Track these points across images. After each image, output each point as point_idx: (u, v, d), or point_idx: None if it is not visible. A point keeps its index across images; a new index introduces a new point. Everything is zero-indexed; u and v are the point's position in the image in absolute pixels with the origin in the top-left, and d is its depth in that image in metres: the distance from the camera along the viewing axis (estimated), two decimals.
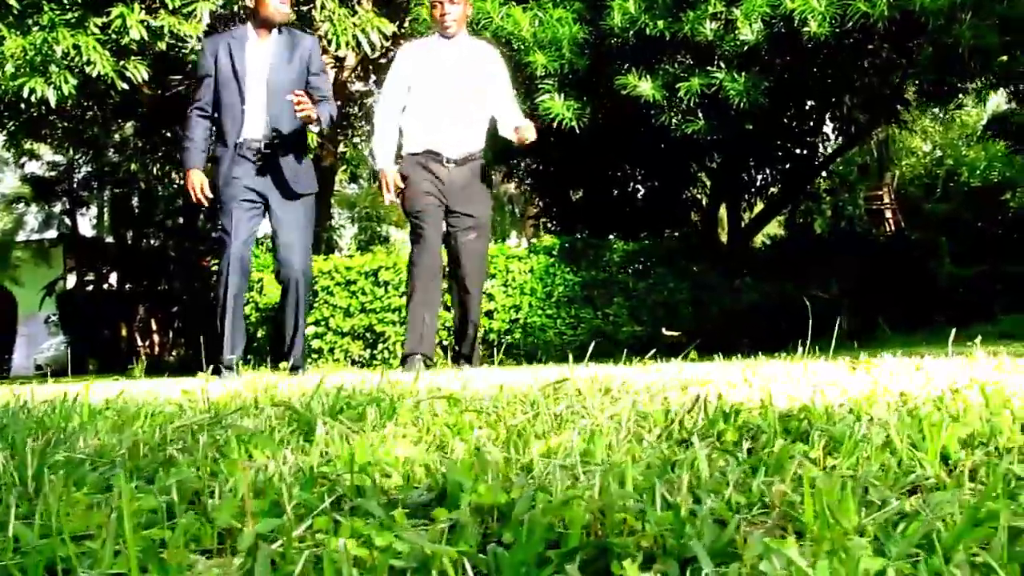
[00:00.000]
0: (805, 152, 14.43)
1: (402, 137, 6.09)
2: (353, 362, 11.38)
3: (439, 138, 6.00)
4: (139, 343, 18.94)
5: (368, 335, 11.32)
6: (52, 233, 27.80)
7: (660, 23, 9.20)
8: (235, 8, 11.18)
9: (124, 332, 19.11)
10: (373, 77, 15.69)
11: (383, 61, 14.36)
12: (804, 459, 1.23)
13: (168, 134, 15.93)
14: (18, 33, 10.79)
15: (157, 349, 18.76)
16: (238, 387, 2.77)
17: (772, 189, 15.35)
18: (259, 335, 11.18)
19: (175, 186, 17.87)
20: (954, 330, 4.70)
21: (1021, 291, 12.82)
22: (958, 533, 0.88)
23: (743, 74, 9.17)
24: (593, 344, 9.70)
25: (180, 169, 16.19)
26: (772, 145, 13.86)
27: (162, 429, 1.59)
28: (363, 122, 16.66)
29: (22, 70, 10.80)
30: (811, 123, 13.85)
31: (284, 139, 5.98)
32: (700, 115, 9.73)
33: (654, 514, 0.95)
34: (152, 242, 20.41)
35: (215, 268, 13.19)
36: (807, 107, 13.34)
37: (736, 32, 8.90)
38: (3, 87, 10.94)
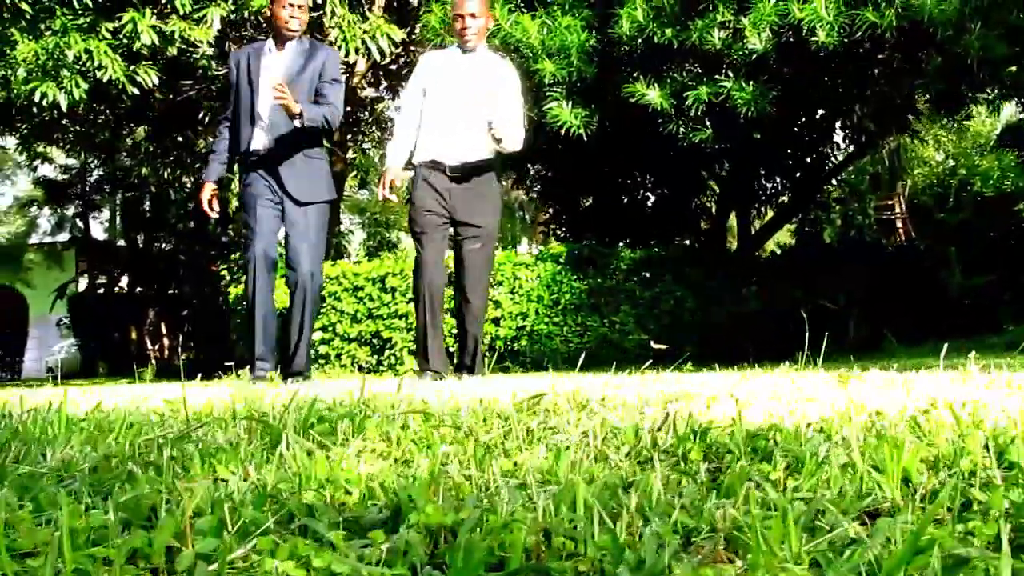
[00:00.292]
0: (815, 161, 14.41)
1: (415, 146, 6.18)
2: (360, 368, 11.39)
3: (444, 147, 6.06)
4: (149, 346, 19.00)
5: (375, 341, 11.34)
6: (64, 236, 27.92)
7: (668, 31, 9.19)
8: (246, 14, 11.21)
9: (134, 335, 19.17)
10: (384, 83, 15.72)
11: (393, 67, 14.40)
12: (763, 480, 1.23)
13: (180, 139, 15.98)
14: (30, 38, 10.84)
15: (167, 352, 18.81)
16: (247, 393, 2.78)
17: (782, 198, 15.33)
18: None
19: (186, 191, 17.94)
20: (950, 343, 4.67)
21: None
22: (898, 560, 0.88)
23: (751, 83, 9.16)
24: (586, 353, 9.70)
25: (192, 174, 16.32)
26: (782, 153, 13.85)
27: (131, 443, 1.59)
28: (373, 127, 16.69)
29: (34, 74, 10.85)
30: (821, 132, 13.82)
31: (296, 148, 6.03)
32: (707, 124, 9.73)
33: (601, 537, 0.95)
34: (163, 246, 20.47)
35: (223, 272, 13.25)
36: (817, 116, 13.31)
37: (744, 41, 8.88)
38: (15, 91, 11.00)
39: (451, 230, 6.22)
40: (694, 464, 1.39)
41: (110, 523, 1.00)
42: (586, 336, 11.05)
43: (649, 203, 16.56)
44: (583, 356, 6.58)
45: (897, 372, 3.31)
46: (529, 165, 15.65)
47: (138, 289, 20.51)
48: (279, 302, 10.72)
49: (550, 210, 17.65)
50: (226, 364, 5.98)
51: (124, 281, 21.86)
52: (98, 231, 28.93)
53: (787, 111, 10.67)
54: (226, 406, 2.19)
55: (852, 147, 14.54)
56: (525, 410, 1.92)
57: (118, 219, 25.74)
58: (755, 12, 8.74)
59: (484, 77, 6.17)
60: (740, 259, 13.72)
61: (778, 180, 15.22)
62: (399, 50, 13.22)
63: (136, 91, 11.39)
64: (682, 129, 9.98)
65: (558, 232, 16.85)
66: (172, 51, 11.35)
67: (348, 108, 14.72)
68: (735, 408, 1.77)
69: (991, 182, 20.58)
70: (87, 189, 23.92)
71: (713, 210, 15.60)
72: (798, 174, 14.74)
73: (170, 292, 19.49)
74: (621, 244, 12.58)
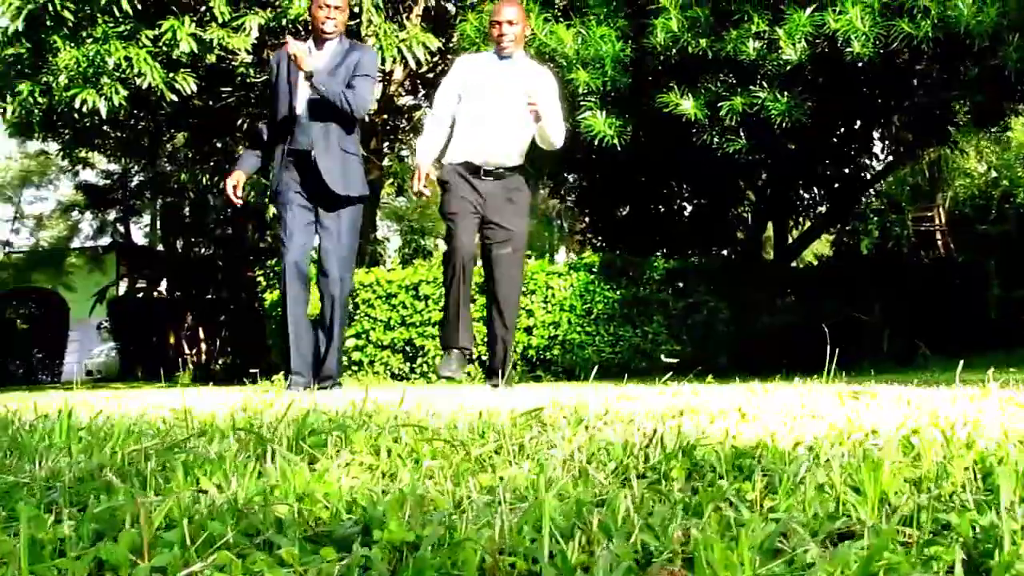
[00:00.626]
0: (852, 172, 14.31)
1: (448, 145, 6.16)
2: (393, 375, 11.44)
3: (478, 151, 6.02)
4: (186, 351, 19.16)
5: (408, 349, 11.38)
6: (106, 240, 28.23)
7: (703, 42, 9.17)
8: (284, 22, 11.30)
9: (172, 340, 19.34)
10: (421, 91, 15.80)
11: (430, 75, 14.46)
12: (738, 500, 1.22)
13: (219, 145, 16.13)
14: (72, 45, 11.00)
15: (204, 357, 18.96)
16: (263, 400, 2.80)
17: (819, 208, 15.24)
18: None
19: (224, 196, 18.07)
20: (988, 358, 4.61)
21: None
22: None
23: (785, 93, 9.12)
24: (618, 364, 9.67)
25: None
26: (818, 164, 13.76)
27: (122, 453, 1.61)
28: (410, 135, 16.76)
29: (75, 81, 11.00)
30: (858, 143, 13.72)
31: (332, 143, 6.05)
32: (741, 134, 9.69)
33: (562, 557, 0.95)
34: (202, 251, 20.65)
35: (259, 278, 13.33)
36: (855, 127, 13.22)
37: (779, 51, 8.83)
38: (57, 97, 11.16)
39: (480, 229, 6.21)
40: (676, 482, 1.39)
41: (70, 536, 1.02)
42: (618, 346, 11.03)
43: (686, 213, 16.52)
44: (626, 368, 6.58)
45: (916, 387, 3.28)
46: (565, 174, 15.67)
47: (176, 294, 20.70)
48: (315, 307, 10.82)
49: (586, 219, 17.66)
50: (251, 371, 6.00)
51: (163, 286, 22.09)
52: (139, 236, 29.29)
53: (823, 122, 10.60)
54: (225, 417, 2.21)
55: (891, 157, 14.42)
56: (520, 425, 1.93)
57: (158, 224, 26.00)
58: (790, 22, 8.70)
59: (522, 84, 6.17)
60: (775, 270, 13.64)
61: (815, 191, 15.13)
62: (435, 58, 13.28)
63: (175, 98, 11.53)
64: (716, 139, 9.95)
65: (594, 241, 16.84)
66: (211, 58, 11.48)
67: (385, 116, 14.81)
68: (733, 424, 1.76)
69: None
70: (128, 194, 24.19)
71: (750, 220, 15.53)
72: (836, 185, 14.65)
73: (208, 297, 19.65)
74: (655, 255, 12.53)
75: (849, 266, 14.77)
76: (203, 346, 19.26)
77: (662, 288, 11.36)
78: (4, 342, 20.03)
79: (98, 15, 10.97)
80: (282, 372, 6.08)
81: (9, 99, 11.55)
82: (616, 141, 9.62)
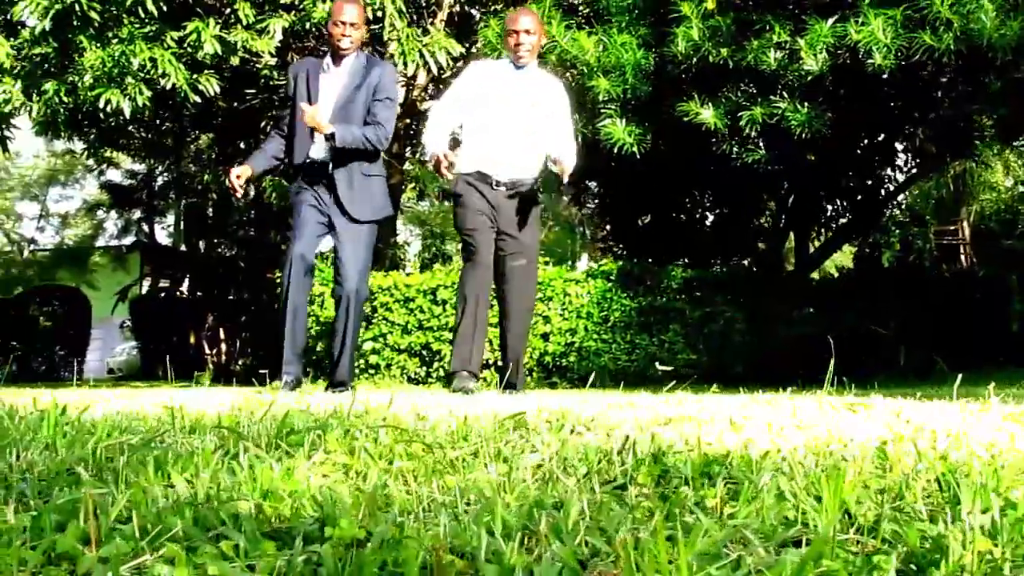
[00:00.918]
0: (875, 183, 14.25)
1: (458, 154, 6.12)
2: (409, 379, 11.47)
3: (492, 161, 6.00)
4: (207, 351, 19.24)
5: (424, 353, 11.41)
6: (130, 240, 28.40)
7: (724, 51, 9.16)
8: (307, 25, 11.36)
9: (193, 339, 19.44)
10: None
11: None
12: (696, 507, 1.23)
13: (242, 146, 16.22)
14: (98, 45, 11.07)
15: (224, 358, 19.04)
16: (289, 399, 2.82)
17: (841, 220, 15.19)
18: (318, 348, 11.32)
19: (248, 197, 18.18)
20: (1007, 373, 4.57)
21: None
22: None
23: (806, 104, 9.10)
24: (634, 371, 9.65)
25: (253, 182, 16.53)
26: (840, 175, 13.71)
27: (100, 448, 1.63)
28: None
29: (100, 81, 11.08)
30: (881, 155, 13.66)
31: (352, 164, 6.06)
32: (761, 144, 9.69)
33: (499, 557, 0.96)
34: (224, 252, 20.75)
35: (278, 280, 13.39)
36: (879, 138, 13.16)
37: (800, 62, 8.81)
38: (82, 97, 11.24)
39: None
40: (642, 487, 1.40)
41: (30, 526, 1.03)
42: (634, 354, 11.03)
43: (708, 222, 16.50)
44: (642, 375, 6.55)
45: (916, 401, 3.27)
46: (587, 182, 15.67)
47: (198, 294, 20.80)
48: (331, 311, 10.85)
49: (608, 227, 17.65)
50: (260, 371, 6.01)
51: (185, 285, 22.20)
52: (163, 236, 29.47)
53: (844, 133, 10.56)
54: (212, 415, 2.23)
55: (915, 170, 14.34)
56: (501, 429, 1.94)
57: (181, 224, 26.16)
58: (811, 33, 8.68)
59: (537, 95, 6.17)
60: (793, 281, 13.60)
61: (838, 202, 15.08)
62: (459, 64, 13.32)
63: (198, 99, 11.59)
64: (735, 149, 9.95)
65: (615, 249, 16.83)
66: (235, 60, 11.54)
67: (407, 120, 14.84)
68: (719, 433, 1.77)
69: None
70: (152, 194, 24.36)
71: (771, 231, 15.49)
72: (858, 197, 14.59)
73: (229, 298, 19.73)
74: (672, 264, 12.51)
75: (870, 278, 14.70)
76: (224, 346, 19.34)
77: (679, 297, 11.35)
78: (27, 339, 20.18)
79: (124, 16, 11.05)
80: (279, 377, 6.02)
81: (35, 98, 11.63)
82: (636, 149, 9.61)
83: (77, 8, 10.82)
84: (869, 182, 14.19)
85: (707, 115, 9.37)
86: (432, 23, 13.21)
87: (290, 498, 1.23)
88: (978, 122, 11.65)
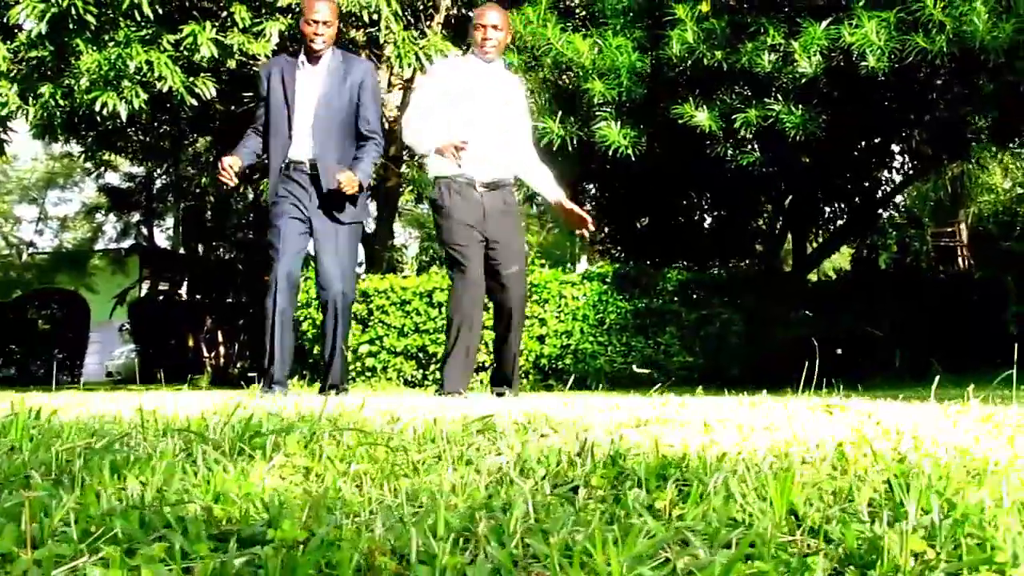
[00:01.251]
0: (871, 185, 14.25)
1: (432, 160, 6.02)
2: (405, 382, 11.48)
3: (475, 163, 5.77)
4: (206, 354, 19.25)
5: (421, 355, 11.42)
6: (129, 243, 28.41)
7: (718, 54, 9.18)
8: None
9: (191, 342, 19.45)
10: None
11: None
12: (643, 508, 1.24)
13: None
14: (94, 48, 11.08)
15: (222, 361, 19.05)
16: (283, 404, 2.83)
17: (839, 221, 15.19)
18: (315, 351, 11.33)
19: (247, 200, 18.20)
20: (1000, 375, 4.56)
21: None
22: None
23: (800, 106, 9.12)
24: (630, 374, 9.60)
25: (251, 184, 16.54)
26: (837, 177, 13.71)
27: (59, 450, 1.64)
28: None
29: (96, 84, 11.09)
30: (877, 156, 13.66)
31: (330, 165, 6.00)
32: (756, 146, 9.71)
33: (431, 558, 0.97)
34: (223, 255, 20.77)
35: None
36: (875, 140, 13.17)
37: (794, 64, 8.83)
38: (78, 100, 11.25)
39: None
40: (598, 489, 1.41)
41: None
42: (631, 356, 11.03)
43: (706, 225, 16.50)
44: (633, 379, 6.56)
45: (898, 402, 3.27)
46: (584, 184, 15.66)
47: (196, 297, 20.82)
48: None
49: (606, 230, 17.63)
50: (249, 375, 6.00)
51: (184, 288, 22.23)
52: (162, 239, 29.50)
53: (838, 135, 10.56)
54: (182, 418, 2.24)
55: (912, 172, 14.34)
56: (465, 432, 1.94)
57: (180, 227, 26.18)
58: (805, 36, 8.70)
59: (506, 92, 6.09)
60: (790, 283, 13.59)
61: (836, 204, 15.08)
62: None
63: (195, 102, 11.59)
64: (730, 151, 9.97)
65: (614, 252, 16.83)
66: (231, 64, 11.55)
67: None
68: (656, 437, 1.78)
69: None
70: (151, 197, 24.37)
71: (769, 233, 15.49)
72: (856, 199, 14.59)
73: (227, 301, 19.75)
74: (671, 266, 12.52)
75: (866, 280, 14.70)
76: (222, 349, 19.36)
77: (675, 299, 11.36)
78: (26, 342, 20.18)
79: (120, 19, 11.06)
80: (260, 381, 5.99)
81: (31, 101, 11.64)
82: (630, 152, 9.63)
83: (73, 11, 10.82)
84: (866, 184, 14.19)
85: (702, 118, 9.39)
86: (429, 26, 13.23)
87: (242, 501, 1.24)
88: (974, 124, 11.65)
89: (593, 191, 16.18)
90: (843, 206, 14.97)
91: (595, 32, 9.89)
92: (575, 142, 9.97)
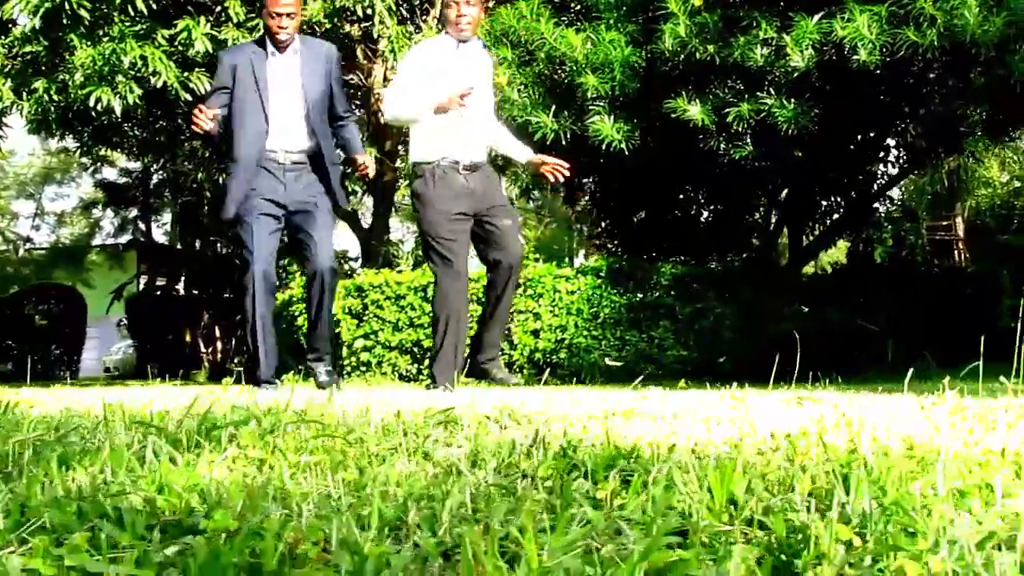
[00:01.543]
0: (865, 179, 14.24)
1: (413, 145, 5.93)
2: (400, 376, 11.49)
3: (459, 144, 5.77)
4: (203, 349, 19.29)
5: (416, 350, 11.42)
6: (126, 238, 28.41)
7: (711, 48, 9.18)
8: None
9: (188, 338, 19.48)
10: None
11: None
12: (584, 498, 1.25)
13: None
14: (89, 43, 11.10)
15: (219, 356, 19.08)
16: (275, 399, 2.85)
17: (835, 215, 15.17)
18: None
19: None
20: (992, 368, 4.56)
21: None
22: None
23: (792, 100, 9.12)
24: (624, 368, 9.64)
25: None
26: (831, 171, 13.70)
27: (13, 442, 1.65)
28: None
29: (91, 79, 11.10)
30: (871, 150, 13.65)
31: (310, 151, 5.98)
32: (749, 140, 9.70)
33: (355, 546, 0.98)
34: (220, 250, 20.79)
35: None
36: (870, 135, 13.16)
37: (786, 58, 8.84)
38: (73, 95, 11.26)
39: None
40: (545, 480, 1.42)
41: None
42: (625, 351, 11.03)
43: (702, 219, 16.48)
44: (633, 372, 6.56)
45: (869, 395, 3.29)
46: (580, 178, 15.65)
47: (193, 292, 20.84)
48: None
49: (603, 224, 17.61)
50: (236, 369, 6.01)
51: (181, 284, 22.24)
52: (159, 234, 29.50)
53: (831, 129, 10.55)
54: (143, 411, 2.25)
55: (907, 165, 14.32)
56: (425, 425, 1.95)
57: (178, 223, 26.19)
58: (797, 30, 8.71)
59: (482, 70, 6.05)
60: (784, 277, 13.58)
61: (832, 198, 15.06)
62: None
63: (189, 97, 11.60)
64: (723, 145, 9.97)
65: (610, 246, 16.81)
66: None
67: None
68: (606, 428, 1.78)
69: None
70: (148, 193, 24.37)
71: (764, 227, 15.48)
72: (852, 192, 14.58)
73: (225, 296, 19.76)
74: (662, 260, 12.52)
75: (861, 274, 14.68)
76: (219, 344, 19.39)
77: (669, 293, 11.35)
78: (23, 338, 20.20)
79: (114, 14, 11.07)
80: (246, 381, 5.97)
81: (26, 97, 11.66)
82: (624, 146, 9.62)
83: (67, 6, 10.83)
84: (861, 178, 14.18)
85: (695, 111, 9.39)
86: (424, 20, 13.24)
87: (186, 492, 1.25)
88: (968, 118, 11.64)
89: (588, 186, 16.14)
90: (839, 200, 14.95)
91: (588, 26, 9.89)
92: (569, 136, 9.97)
